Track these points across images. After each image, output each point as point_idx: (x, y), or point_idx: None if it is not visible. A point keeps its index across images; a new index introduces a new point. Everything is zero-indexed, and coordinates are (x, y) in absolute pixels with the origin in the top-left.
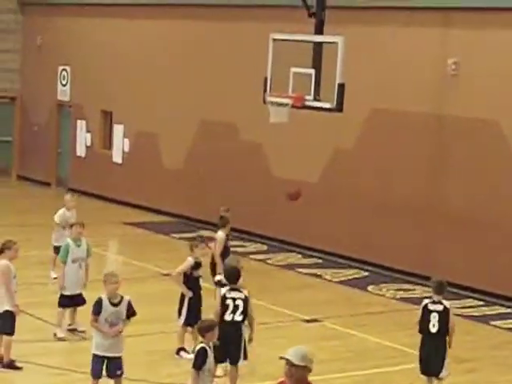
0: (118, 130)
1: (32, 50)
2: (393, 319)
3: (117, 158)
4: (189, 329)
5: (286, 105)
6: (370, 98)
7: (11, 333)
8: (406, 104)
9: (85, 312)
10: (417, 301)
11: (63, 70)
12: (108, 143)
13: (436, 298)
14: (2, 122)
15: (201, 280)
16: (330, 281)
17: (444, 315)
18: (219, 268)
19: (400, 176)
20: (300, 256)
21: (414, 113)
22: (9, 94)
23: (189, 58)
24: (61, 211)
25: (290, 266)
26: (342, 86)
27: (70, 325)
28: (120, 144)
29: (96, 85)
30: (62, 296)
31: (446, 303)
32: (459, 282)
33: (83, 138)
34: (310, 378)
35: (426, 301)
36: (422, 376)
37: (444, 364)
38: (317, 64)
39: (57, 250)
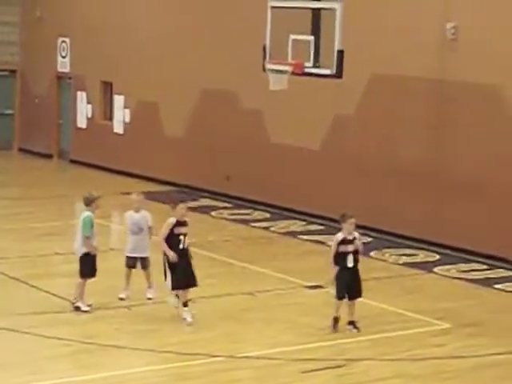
0: (119, 100)
1: (31, 22)
2: (396, 285)
3: (118, 128)
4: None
5: (286, 72)
6: (370, 63)
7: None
8: (406, 69)
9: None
10: (421, 266)
11: (63, 41)
12: (109, 114)
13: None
14: (3, 94)
15: (184, 239)
16: None
17: None
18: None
19: (401, 141)
20: (302, 223)
21: (414, 78)
22: (9, 66)
23: (187, 27)
24: (127, 214)
25: (293, 233)
26: (341, 53)
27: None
28: (121, 114)
29: (95, 56)
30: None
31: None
32: (464, 247)
33: (84, 110)
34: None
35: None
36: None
37: None
38: (316, 31)
39: (133, 261)
